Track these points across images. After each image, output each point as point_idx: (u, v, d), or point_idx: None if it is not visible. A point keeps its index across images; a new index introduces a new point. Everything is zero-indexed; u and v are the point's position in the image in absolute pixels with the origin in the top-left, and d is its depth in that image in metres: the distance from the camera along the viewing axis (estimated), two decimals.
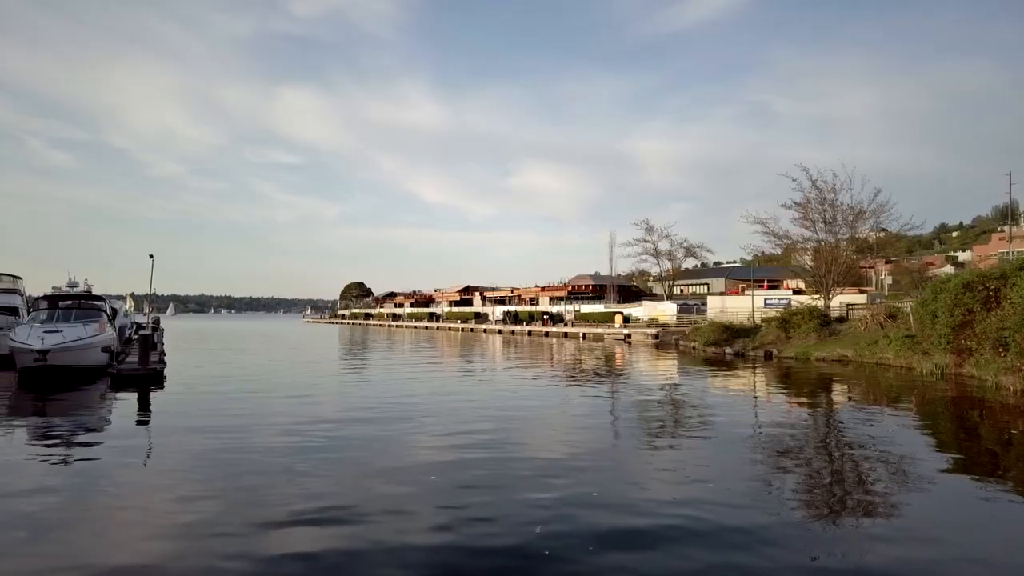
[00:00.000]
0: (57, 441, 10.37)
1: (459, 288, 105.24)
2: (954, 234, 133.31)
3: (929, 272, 48.42)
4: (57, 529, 6.10)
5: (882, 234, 37.70)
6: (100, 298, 23.96)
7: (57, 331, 18.72)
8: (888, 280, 52.54)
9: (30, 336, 18.25)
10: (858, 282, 42.46)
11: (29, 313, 23.63)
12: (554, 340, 46.48)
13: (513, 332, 58.52)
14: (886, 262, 51.76)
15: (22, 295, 26.14)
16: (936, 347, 19.75)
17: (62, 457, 9.26)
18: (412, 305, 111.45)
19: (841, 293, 34.01)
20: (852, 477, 8.30)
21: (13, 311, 24.13)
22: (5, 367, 19.59)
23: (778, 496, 7.26)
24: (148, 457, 9.56)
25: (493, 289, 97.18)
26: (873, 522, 6.37)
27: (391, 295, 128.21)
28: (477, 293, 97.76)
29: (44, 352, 17.57)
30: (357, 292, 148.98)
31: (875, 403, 14.82)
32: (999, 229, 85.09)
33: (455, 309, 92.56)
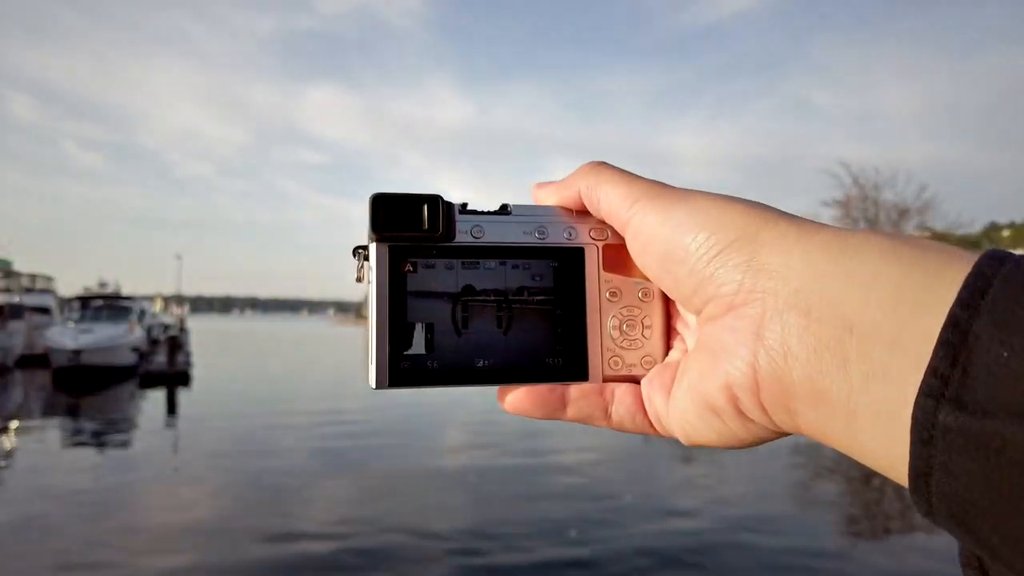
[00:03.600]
0: (88, 439, 10.37)
1: None
2: (1005, 233, 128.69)
3: None
4: (84, 525, 6.02)
5: (928, 233, 36.48)
6: (129, 299, 24.14)
7: (89, 331, 18.88)
8: None
9: (64, 336, 18.45)
10: None
11: (62, 313, 23.88)
12: None
13: None
14: None
15: (55, 295, 26.45)
16: None
17: (92, 455, 9.25)
18: None
19: None
20: (892, 489, 7.67)
21: (46, 311, 24.43)
22: (40, 366, 19.77)
23: (816, 507, 6.85)
24: (175, 456, 9.50)
25: None
26: (912, 533, 5.81)
27: None
28: None
29: (77, 351, 17.68)
30: None
31: None
32: None
33: None
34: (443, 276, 0.37)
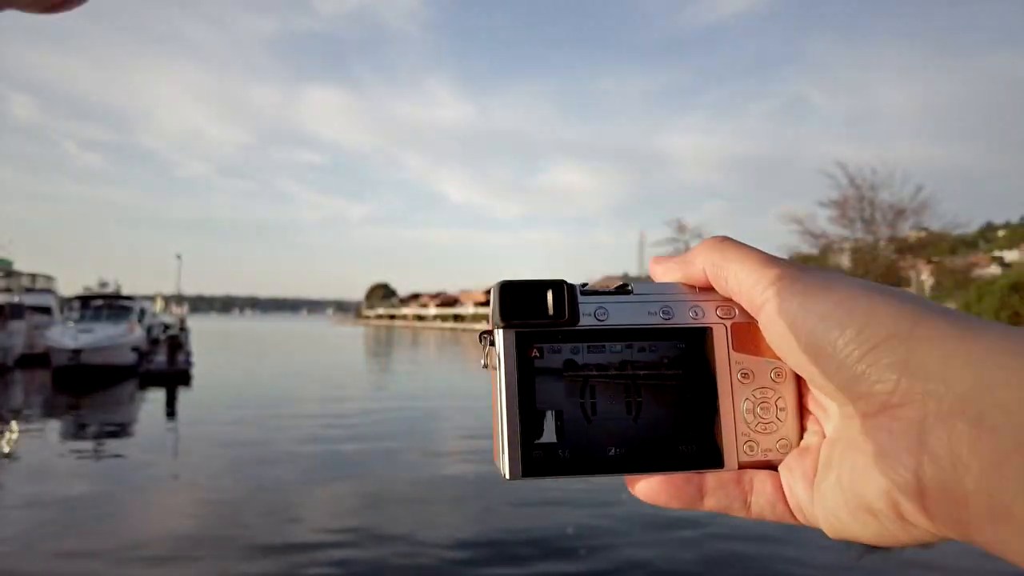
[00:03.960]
0: (88, 439, 10.45)
1: (485, 289, 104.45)
2: (1001, 233, 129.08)
3: (973, 273, 46.87)
4: (85, 525, 6.07)
5: (924, 233, 36.56)
6: (129, 298, 24.23)
7: (89, 331, 18.97)
8: (930, 281, 50.97)
9: (64, 335, 18.53)
10: (898, 284, 41.27)
11: (62, 313, 23.98)
12: None
13: None
14: (928, 262, 50.29)
15: (55, 295, 26.56)
16: None
17: (93, 454, 9.33)
18: (437, 306, 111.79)
19: None
20: None
21: (46, 311, 24.53)
22: (40, 365, 19.88)
23: None
24: (175, 456, 9.57)
25: None
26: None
27: (416, 296, 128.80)
28: None
29: (77, 351, 17.77)
30: (382, 293, 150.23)
31: None
32: None
33: (481, 310, 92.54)
34: (570, 361, 0.36)
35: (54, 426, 11.75)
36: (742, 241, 0.36)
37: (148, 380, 17.73)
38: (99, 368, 18.20)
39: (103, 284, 26.11)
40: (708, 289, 0.37)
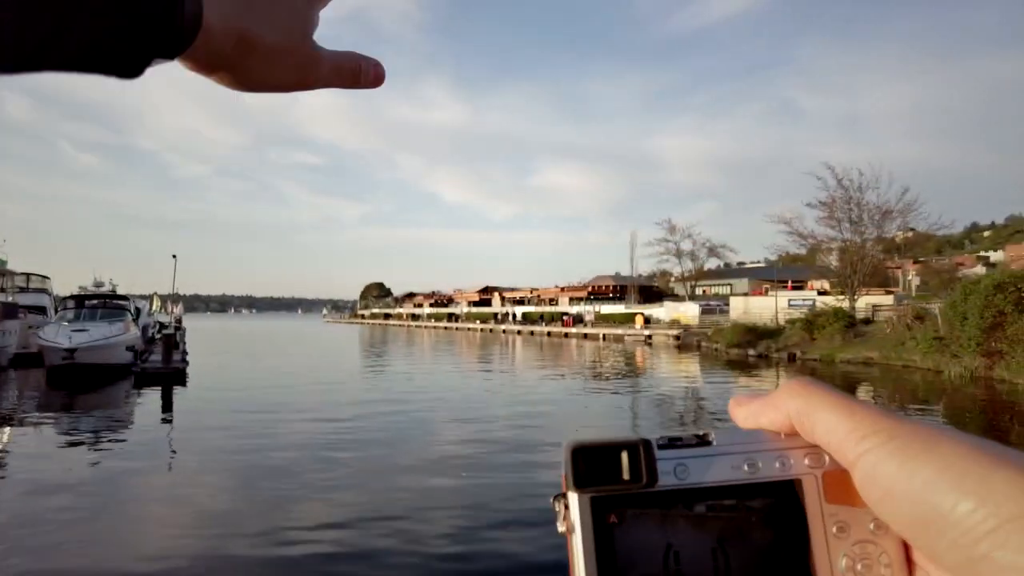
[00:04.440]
0: (85, 437, 10.52)
1: (478, 289, 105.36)
2: (986, 233, 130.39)
3: (959, 273, 47.33)
4: (80, 525, 6.15)
5: (910, 234, 36.99)
6: (125, 298, 24.37)
7: (84, 330, 19.07)
8: (916, 281, 51.48)
9: (58, 335, 18.62)
10: (885, 283, 41.68)
11: (57, 312, 24.09)
12: (574, 341, 46.29)
13: (532, 333, 58.43)
14: (914, 262, 50.74)
15: (50, 295, 26.68)
16: (965, 349, 19.28)
17: (87, 454, 9.39)
18: (431, 305, 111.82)
19: (867, 294, 33.41)
20: None
21: (41, 310, 24.66)
22: (34, 365, 19.98)
23: None
24: (171, 455, 9.69)
25: (513, 289, 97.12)
26: None
27: (410, 295, 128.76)
28: (496, 293, 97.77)
29: (72, 350, 17.89)
30: (377, 292, 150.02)
31: (902, 407, 14.50)
32: None
33: (474, 310, 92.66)
34: (650, 525, 0.33)
35: (48, 425, 11.81)
36: (820, 383, 0.33)
37: (143, 379, 17.82)
38: (94, 367, 18.30)
39: (98, 284, 26.29)
40: (795, 434, 0.34)
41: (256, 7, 0.36)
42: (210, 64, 0.35)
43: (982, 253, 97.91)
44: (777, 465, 0.34)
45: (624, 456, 0.32)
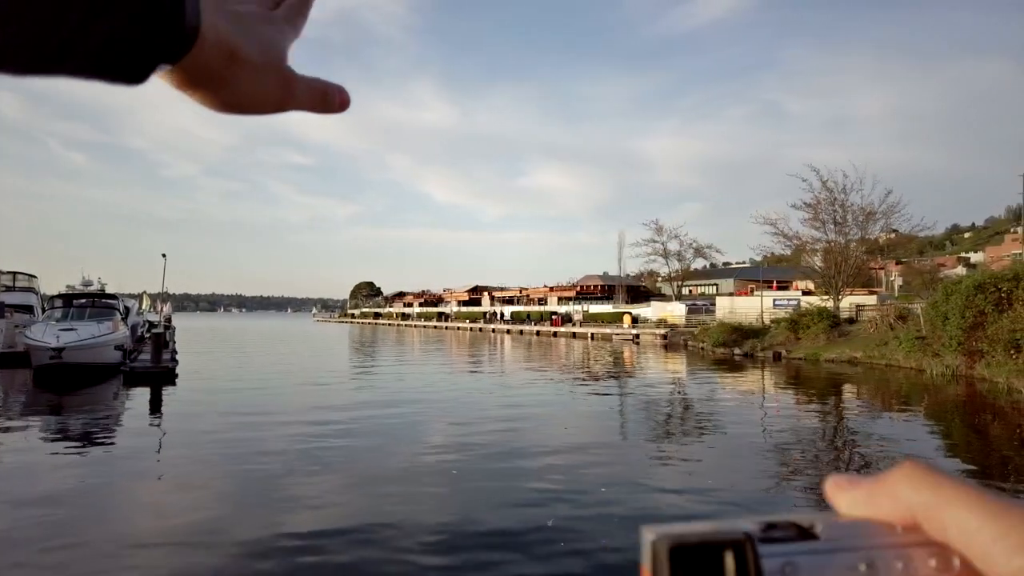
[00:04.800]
0: (72, 438, 10.52)
1: (468, 288, 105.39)
2: (966, 235, 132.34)
3: (940, 273, 48.04)
4: (69, 527, 6.17)
5: (893, 235, 37.51)
6: (113, 296, 24.21)
7: (72, 329, 18.93)
8: (898, 281, 52.20)
9: (45, 334, 18.46)
10: (868, 283, 42.24)
11: (44, 311, 23.92)
12: (562, 340, 46.50)
13: (521, 332, 58.57)
14: (897, 263, 51.43)
15: (37, 293, 26.47)
16: (947, 349, 19.65)
17: (76, 455, 9.39)
18: (421, 305, 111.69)
19: (851, 294, 33.86)
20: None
21: (28, 309, 24.46)
22: (21, 364, 19.84)
23: (786, 498, 7.30)
24: (159, 455, 9.69)
25: (502, 289, 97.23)
26: None
27: (400, 295, 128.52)
28: (486, 293, 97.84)
29: (59, 350, 17.77)
30: (367, 291, 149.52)
31: (885, 405, 14.79)
32: (1012, 230, 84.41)
33: (464, 309, 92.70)
34: None
35: (35, 426, 11.71)
36: (944, 472, 0.28)
37: (132, 379, 17.78)
38: (82, 367, 18.17)
39: (87, 283, 26.10)
40: (911, 527, 0.29)
41: (245, 24, 0.36)
42: (198, 79, 0.35)
43: (963, 254, 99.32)
44: (899, 566, 0.29)
45: (728, 557, 0.28)
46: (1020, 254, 48.48)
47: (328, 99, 0.42)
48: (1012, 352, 16.73)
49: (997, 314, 17.99)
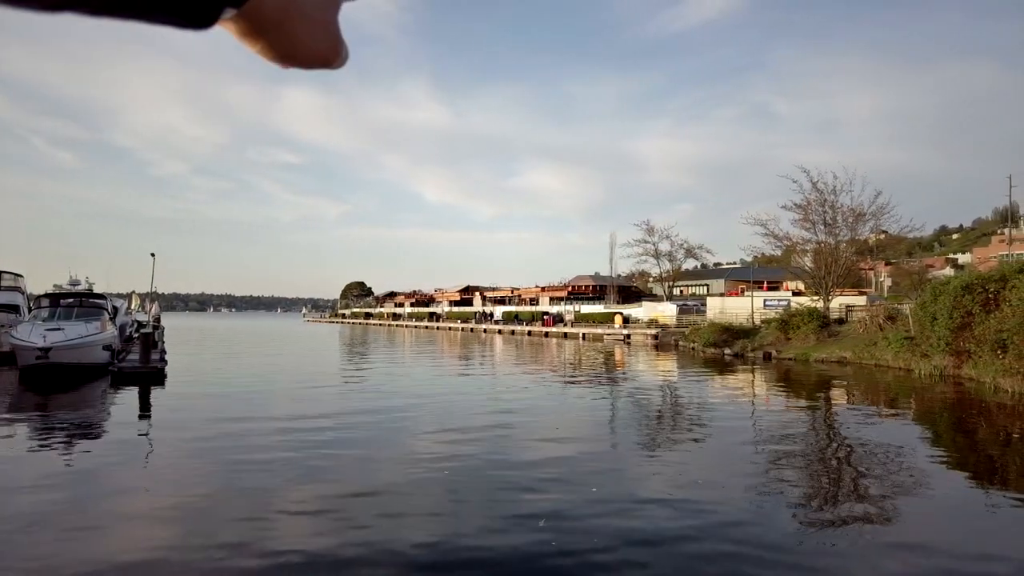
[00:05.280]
0: (58, 439, 10.41)
1: (460, 288, 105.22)
2: (954, 236, 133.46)
3: (929, 274, 48.42)
4: (56, 527, 6.13)
5: (882, 236, 37.76)
6: (101, 296, 24.00)
7: (59, 329, 18.75)
8: (888, 282, 52.60)
9: (32, 334, 18.28)
10: (857, 284, 42.48)
11: (31, 311, 23.68)
12: (554, 340, 46.53)
13: (513, 332, 58.58)
14: (886, 264, 51.81)
15: (23, 293, 26.19)
16: (935, 349, 19.81)
17: (63, 456, 9.29)
18: (412, 305, 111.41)
19: (840, 295, 34.05)
20: (849, 480, 8.35)
21: (15, 309, 24.20)
22: (7, 364, 19.64)
23: (775, 498, 7.31)
24: (148, 456, 9.60)
25: (494, 289, 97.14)
26: (872, 527, 6.42)
27: (391, 295, 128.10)
28: (478, 293, 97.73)
29: (46, 350, 17.61)
30: (357, 291, 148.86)
31: (874, 405, 14.88)
32: (999, 231, 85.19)
33: (455, 309, 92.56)
34: None
35: (21, 427, 11.60)
36: None
37: (121, 379, 17.66)
38: (69, 367, 18.04)
39: (74, 282, 25.83)
40: None
41: None
42: (259, 26, 0.36)
43: (951, 255, 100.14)
44: None
45: None
46: (1007, 255, 48.98)
47: (345, 59, 0.44)
48: (999, 352, 16.87)
49: (984, 315, 18.15)
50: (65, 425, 11.64)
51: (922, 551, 5.70)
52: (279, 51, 0.38)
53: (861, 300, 34.41)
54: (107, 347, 20.34)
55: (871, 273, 48.80)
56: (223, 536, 5.88)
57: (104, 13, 0.29)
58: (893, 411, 13.90)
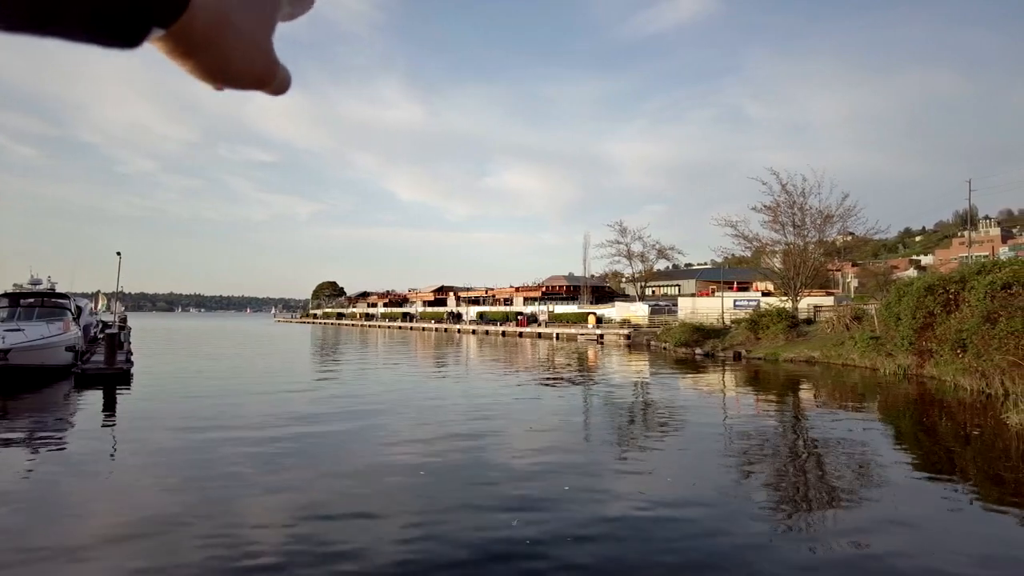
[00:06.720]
0: (18, 444, 10.13)
1: (433, 288, 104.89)
2: (917, 238, 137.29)
3: (893, 275, 49.67)
4: (18, 534, 6.00)
5: (849, 238, 38.67)
6: (64, 296, 23.38)
7: (19, 330, 18.22)
8: (854, 283, 53.86)
9: None
10: (825, 284, 43.44)
11: None
12: (528, 340, 46.62)
13: (487, 332, 58.56)
14: (852, 265, 53.01)
15: None
16: (899, 348, 20.32)
17: (23, 460, 9.05)
18: (386, 305, 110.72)
19: (809, 295, 34.77)
20: (815, 477, 8.54)
21: None
22: None
23: (743, 493, 7.44)
24: (113, 459, 9.38)
25: (468, 289, 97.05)
26: (835, 516, 6.59)
27: (364, 295, 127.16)
28: (451, 293, 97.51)
29: (5, 352, 17.08)
30: (330, 291, 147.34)
31: (840, 403, 15.21)
32: (959, 234, 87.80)
33: (429, 309, 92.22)
34: None
35: None
36: None
37: (85, 381, 17.24)
38: (30, 369, 17.54)
39: (35, 281, 25.10)
40: None
41: None
42: (189, 45, 0.35)
43: (914, 257, 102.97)
44: None
45: None
46: (966, 257, 50.47)
47: (285, 84, 0.43)
48: (958, 351, 17.37)
49: (945, 315, 18.66)
50: (25, 431, 11.31)
51: (883, 544, 5.85)
52: (210, 71, 0.37)
53: (829, 301, 35.19)
54: (70, 348, 19.83)
55: (838, 274, 49.91)
56: (190, 551, 5.73)
57: (25, 31, 0.29)
58: (858, 409, 14.23)
